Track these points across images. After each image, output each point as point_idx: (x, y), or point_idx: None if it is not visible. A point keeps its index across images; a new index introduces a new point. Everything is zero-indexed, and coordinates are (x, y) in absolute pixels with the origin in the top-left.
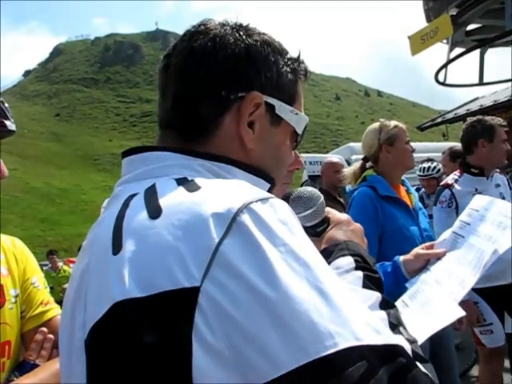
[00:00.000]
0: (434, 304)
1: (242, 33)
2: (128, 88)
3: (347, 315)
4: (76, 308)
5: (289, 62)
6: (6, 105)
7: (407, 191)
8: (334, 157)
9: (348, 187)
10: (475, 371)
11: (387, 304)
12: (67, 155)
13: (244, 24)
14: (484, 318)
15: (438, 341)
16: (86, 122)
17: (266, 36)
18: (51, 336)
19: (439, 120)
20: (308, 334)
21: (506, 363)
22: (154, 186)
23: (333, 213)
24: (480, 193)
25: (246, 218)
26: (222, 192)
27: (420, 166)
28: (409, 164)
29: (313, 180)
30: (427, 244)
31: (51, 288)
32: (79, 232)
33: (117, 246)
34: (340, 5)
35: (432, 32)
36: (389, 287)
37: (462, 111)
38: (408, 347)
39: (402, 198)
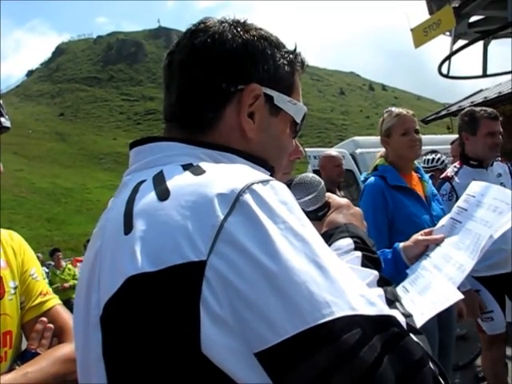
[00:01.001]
0: (433, 288)
1: (239, 29)
2: (131, 86)
3: (343, 287)
4: (91, 287)
5: (285, 55)
6: (1, 101)
7: (421, 178)
8: (333, 150)
9: (363, 175)
10: (480, 361)
11: (385, 281)
12: (72, 154)
13: (241, 20)
14: (485, 305)
15: (442, 327)
16: (90, 121)
17: (263, 31)
18: (51, 325)
19: (443, 113)
20: (306, 303)
21: (509, 351)
22: (161, 172)
23: (333, 198)
24: None
25: (248, 197)
26: (226, 174)
27: (424, 157)
28: (409, 154)
29: (318, 174)
30: (426, 230)
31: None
32: (85, 231)
33: (128, 227)
34: (342, 4)
35: (435, 24)
36: (390, 273)
37: (466, 104)
38: (402, 320)
39: (412, 187)
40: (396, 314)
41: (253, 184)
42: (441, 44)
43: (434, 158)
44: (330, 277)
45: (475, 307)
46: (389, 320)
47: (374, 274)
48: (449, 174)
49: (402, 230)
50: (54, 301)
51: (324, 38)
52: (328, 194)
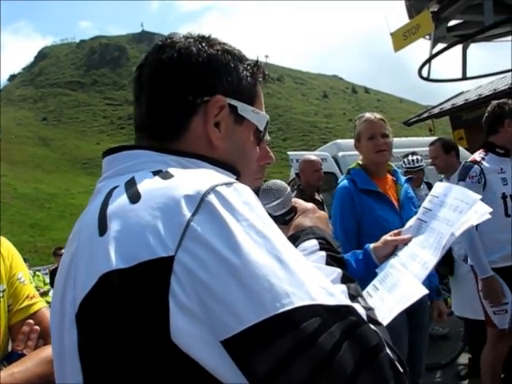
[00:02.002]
0: (400, 286)
1: (204, 44)
2: (115, 90)
3: (303, 279)
4: (67, 287)
5: (248, 67)
6: None
7: (396, 182)
8: (312, 155)
9: (340, 178)
10: (462, 359)
11: (348, 279)
12: (55, 159)
13: (206, 36)
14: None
15: (415, 329)
16: (74, 126)
17: (226, 45)
18: (37, 327)
19: (425, 115)
20: (267, 294)
21: None
22: (133, 178)
23: (299, 202)
24: (504, 172)
25: (212, 198)
26: (192, 178)
27: (406, 159)
28: (376, 159)
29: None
30: (395, 231)
31: None
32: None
33: (102, 229)
34: (324, 4)
35: (414, 28)
36: (361, 273)
37: (447, 106)
38: (362, 312)
39: (384, 190)
40: (356, 306)
41: (217, 186)
42: (423, 47)
43: (417, 159)
44: (290, 270)
45: (496, 293)
46: (347, 309)
47: (337, 271)
48: (477, 159)
49: (370, 233)
50: (41, 304)
51: (307, 41)
52: (294, 200)
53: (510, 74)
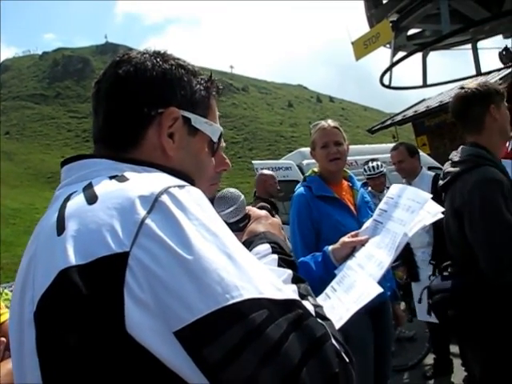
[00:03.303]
0: (357, 286)
1: (158, 59)
2: (79, 103)
3: (252, 274)
4: (25, 287)
5: (201, 81)
6: None
7: (352, 187)
8: (274, 164)
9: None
10: (429, 360)
11: (298, 279)
12: (19, 174)
13: (161, 51)
14: None
15: (379, 333)
16: (37, 140)
17: (180, 61)
18: (3, 339)
19: (389, 122)
20: (218, 287)
21: (453, 349)
22: (90, 183)
23: (253, 210)
24: None
25: (165, 198)
26: (147, 180)
27: (366, 166)
28: (329, 167)
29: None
30: (353, 233)
31: None
32: None
33: (60, 229)
34: (288, 15)
35: (374, 37)
36: (320, 275)
37: (410, 113)
38: (311, 308)
39: (339, 196)
40: (305, 302)
41: (170, 187)
42: (386, 56)
43: (378, 165)
44: (240, 265)
45: None
46: (294, 303)
47: (288, 272)
48: None
49: (329, 239)
50: (7, 315)
51: (272, 51)
52: (248, 207)
53: (468, 81)
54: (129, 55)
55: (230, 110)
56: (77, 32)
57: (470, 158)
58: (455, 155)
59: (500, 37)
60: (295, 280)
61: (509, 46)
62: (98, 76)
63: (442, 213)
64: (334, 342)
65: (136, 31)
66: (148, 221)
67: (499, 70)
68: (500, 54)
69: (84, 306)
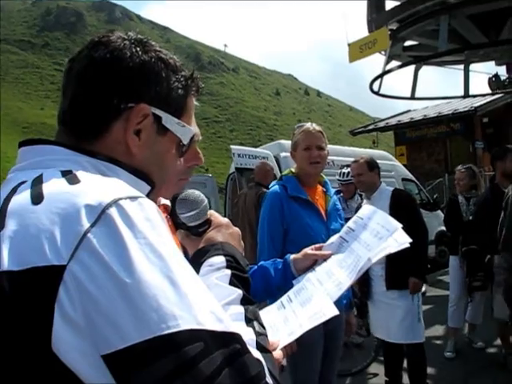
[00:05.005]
0: (313, 301)
1: (138, 48)
2: (66, 57)
3: (192, 302)
4: None
5: (181, 79)
6: None
7: (325, 193)
8: (254, 152)
9: (272, 183)
10: (372, 369)
11: (247, 301)
12: None
13: (144, 40)
14: None
15: (329, 336)
16: (18, 87)
17: (162, 53)
18: None
19: (371, 127)
20: (154, 314)
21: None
22: (41, 175)
23: (215, 216)
24: None
25: (113, 211)
26: (98, 187)
27: (340, 170)
28: (309, 169)
29: (240, 172)
30: (317, 245)
31: None
32: None
33: (0, 225)
34: (291, 4)
35: (370, 43)
36: (279, 283)
37: (393, 121)
38: (252, 338)
39: (311, 199)
40: (247, 331)
41: (120, 199)
42: (380, 62)
43: (348, 172)
44: (181, 292)
45: None
46: (233, 337)
47: (238, 292)
48: None
49: (295, 241)
50: None
51: (268, 36)
52: (211, 212)
53: (454, 100)
54: (109, 38)
55: (218, 88)
56: None
57: None
58: None
59: (492, 63)
60: (244, 301)
61: (499, 73)
62: (90, 33)
63: (410, 243)
64: (268, 380)
65: None
66: (90, 235)
67: (485, 95)
68: (489, 80)
69: (11, 316)
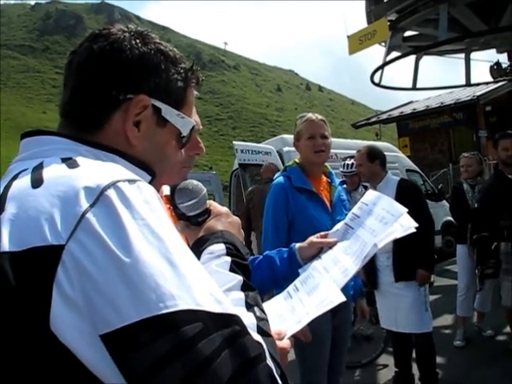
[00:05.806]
0: (320, 289)
1: (138, 40)
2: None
3: (191, 283)
4: None
5: (181, 71)
6: None
7: (330, 183)
8: (257, 147)
9: (276, 174)
10: (382, 360)
11: (248, 287)
12: None
13: (143, 32)
14: None
15: (337, 327)
16: (20, 92)
17: (162, 45)
18: None
19: (374, 119)
20: (152, 293)
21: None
22: (41, 163)
23: (214, 205)
24: None
25: (111, 192)
26: (97, 171)
27: (343, 162)
28: (314, 159)
29: (243, 168)
30: (322, 233)
31: None
32: None
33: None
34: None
35: (370, 34)
36: (284, 272)
37: (395, 113)
38: (253, 322)
39: (317, 191)
40: (247, 316)
41: (119, 181)
42: (381, 53)
43: (353, 163)
44: (180, 273)
45: None
46: (232, 318)
47: (238, 278)
48: None
49: (301, 231)
50: None
51: (268, 32)
52: (210, 202)
53: (456, 89)
54: (109, 30)
55: (219, 86)
56: None
57: None
58: None
59: (493, 51)
60: (245, 287)
61: (501, 60)
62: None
63: (417, 234)
64: (269, 362)
65: None
66: (89, 215)
67: (487, 83)
68: (491, 68)
69: (8, 296)
